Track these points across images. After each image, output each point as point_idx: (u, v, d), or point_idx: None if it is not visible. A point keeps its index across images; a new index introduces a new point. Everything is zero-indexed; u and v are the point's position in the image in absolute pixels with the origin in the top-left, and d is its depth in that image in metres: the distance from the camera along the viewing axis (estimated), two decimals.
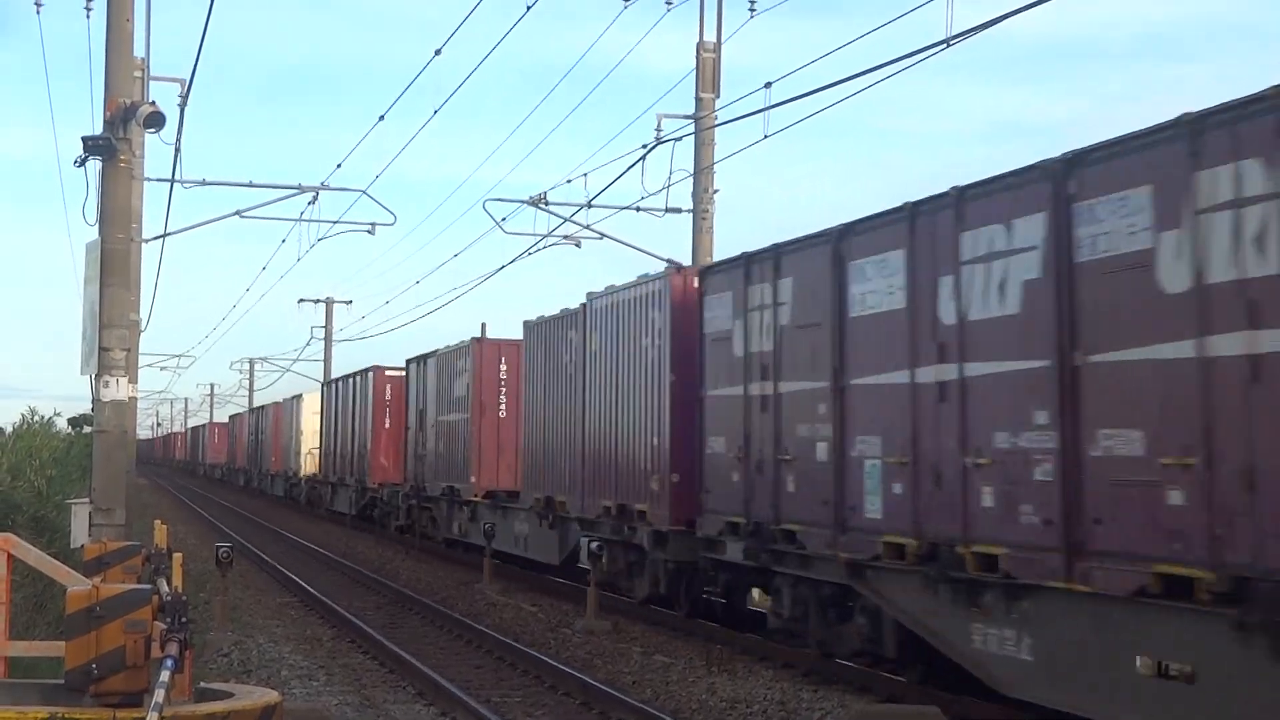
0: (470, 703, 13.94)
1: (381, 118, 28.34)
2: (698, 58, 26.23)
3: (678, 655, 17.52)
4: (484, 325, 29.84)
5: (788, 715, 13.87)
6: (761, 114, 19.97)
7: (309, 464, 54.57)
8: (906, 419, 13.61)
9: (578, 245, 30.91)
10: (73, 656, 7.16)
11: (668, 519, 18.97)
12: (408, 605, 23.66)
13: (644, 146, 25.16)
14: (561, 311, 24.04)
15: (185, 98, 24.62)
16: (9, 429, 36.09)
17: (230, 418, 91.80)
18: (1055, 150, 11.79)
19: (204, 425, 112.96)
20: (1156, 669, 10.60)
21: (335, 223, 34.76)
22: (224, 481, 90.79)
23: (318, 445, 52.41)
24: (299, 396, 57.53)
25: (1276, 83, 9.73)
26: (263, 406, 70.71)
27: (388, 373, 41.09)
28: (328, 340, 65.76)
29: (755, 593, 19.34)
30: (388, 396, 40.78)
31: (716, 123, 25.77)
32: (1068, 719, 11.87)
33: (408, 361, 36.55)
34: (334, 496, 48.75)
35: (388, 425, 40.48)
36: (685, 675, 16.10)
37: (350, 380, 46.00)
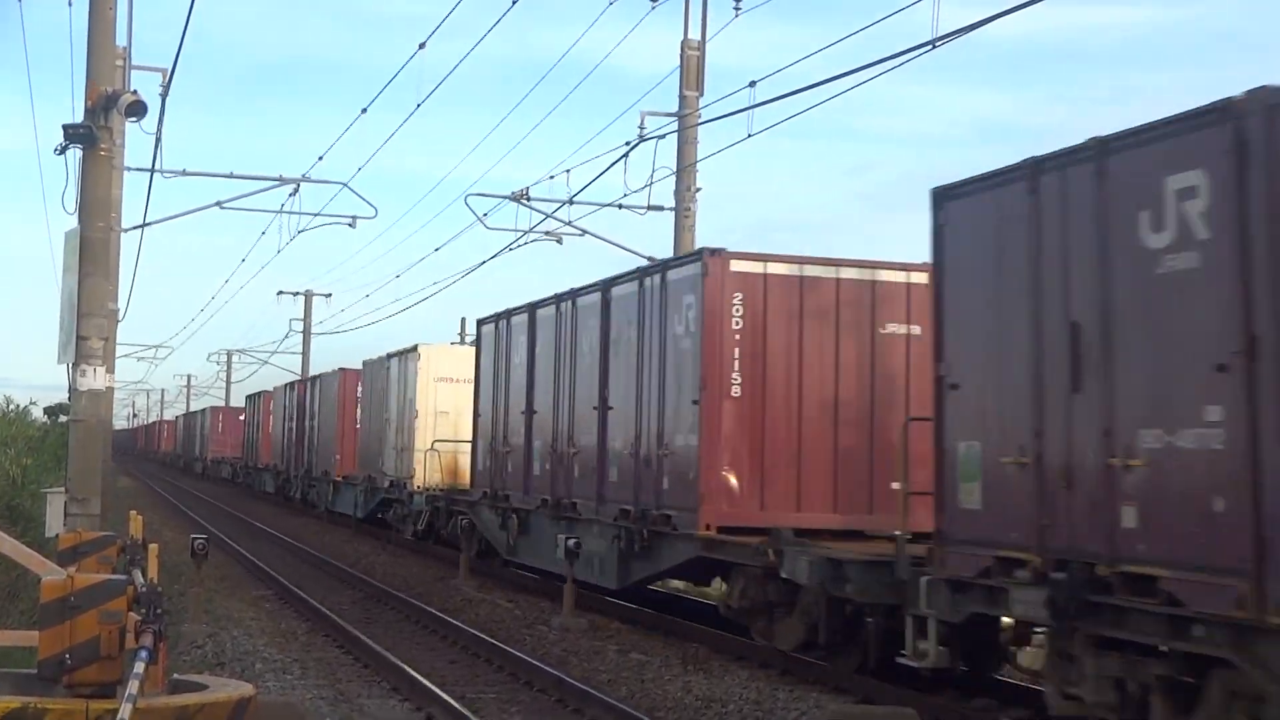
0: (445, 698, 13.89)
1: (364, 111, 28.53)
2: (682, 55, 26.21)
3: (654, 653, 17.50)
4: (463, 320, 29.56)
5: (763, 715, 13.86)
6: (745, 113, 20.01)
7: (428, 469, 32.11)
8: None
9: (559, 242, 30.92)
10: (46, 646, 7.12)
11: None
12: (384, 600, 23.59)
13: (627, 144, 25.21)
14: None
15: (167, 87, 24.63)
16: None
17: (248, 398, 67.64)
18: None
19: (205, 410, 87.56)
20: None
21: (316, 215, 34.76)
22: (238, 484, 68.85)
23: (454, 435, 31.60)
24: (408, 353, 34.35)
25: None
26: (318, 376, 48.18)
27: (736, 267, 17.49)
28: (306, 333, 65.73)
29: None
30: (736, 320, 17.35)
31: (700, 121, 25.76)
32: None
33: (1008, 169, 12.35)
34: (524, 535, 24.04)
35: (736, 387, 17.34)
36: (661, 673, 16.08)
37: (587, 298, 21.54)
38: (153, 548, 12.06)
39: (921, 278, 16.29)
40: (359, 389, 40.72)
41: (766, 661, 16.50)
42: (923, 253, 13.65)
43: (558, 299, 22.65)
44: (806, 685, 15.24)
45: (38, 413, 54.74)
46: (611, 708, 13.57)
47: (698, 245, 25.13)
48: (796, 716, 13.72)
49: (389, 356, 36.29)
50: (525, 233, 30.13)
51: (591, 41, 30.70)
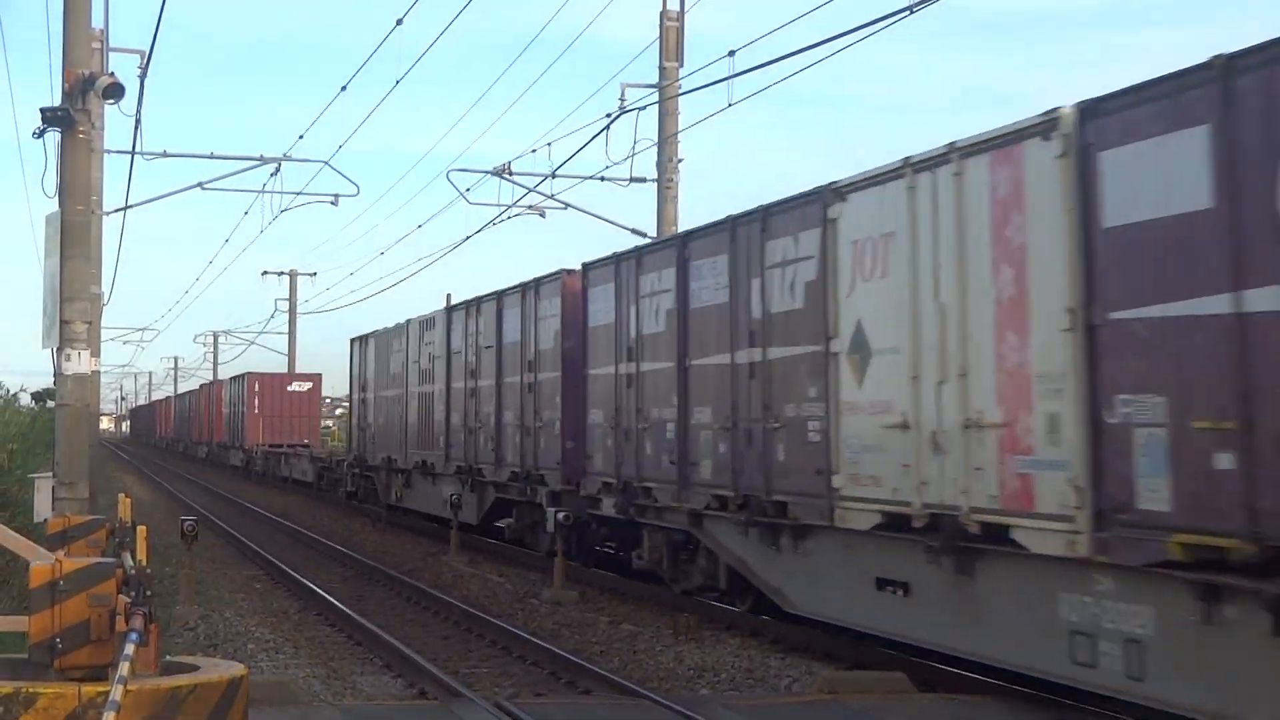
0: (438, 674, 13.92)
1: (344, 88, 28.23)
2: (661, 26, 26.13)
3: (645, 624, 17.55)
4: (448, 296, 29.45)
5: (755, 683, 13.92)
6: (725, 82, 19.94)
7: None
8: None
9: (542, 215, 30.84)
10: (37, 631, 7.13)
11: None
12: (374, 577, 23.60)
13: (608, 116, 25.11)
14: None
15: (145, 69, 24.48)
16: None
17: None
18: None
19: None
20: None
21: (298, 194, 34.59)
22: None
23: None
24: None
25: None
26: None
27: None
28: (292, 312, 65.58)
29: None
30: None
31: (680, 91, 25.70)
32: (1019, 682, 11.91)
33: None
34: None
35: None
36: (653, 644, 16.12)
37: None
38: (141, 529, 12.05)
39: None
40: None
41: (757, 630, 16.55)
42: None
43: None
44: (798, 653, 15.30)
45: (26, 399, 54.66)
46: (604, 679, 13.62)
47: (680, 218, 25.05)
48: (789, 683, 13.78)
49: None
50: (508, 207, 30.09)
51: (571, 13, 30.67)
